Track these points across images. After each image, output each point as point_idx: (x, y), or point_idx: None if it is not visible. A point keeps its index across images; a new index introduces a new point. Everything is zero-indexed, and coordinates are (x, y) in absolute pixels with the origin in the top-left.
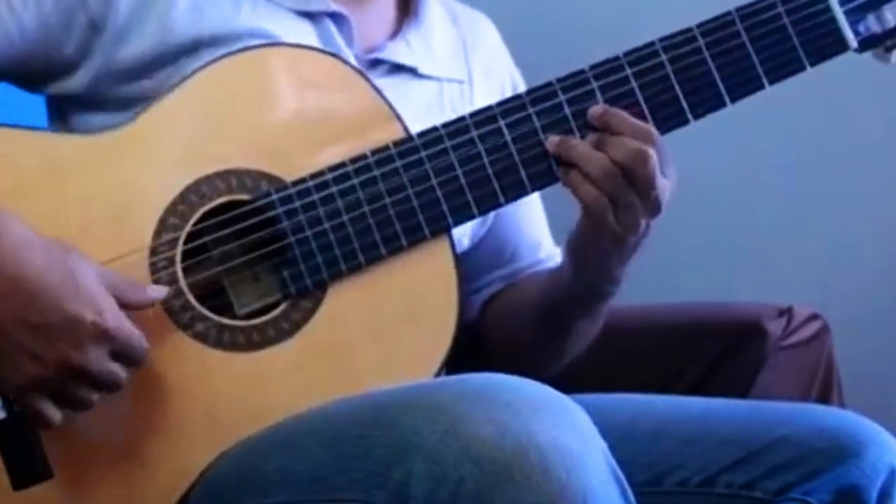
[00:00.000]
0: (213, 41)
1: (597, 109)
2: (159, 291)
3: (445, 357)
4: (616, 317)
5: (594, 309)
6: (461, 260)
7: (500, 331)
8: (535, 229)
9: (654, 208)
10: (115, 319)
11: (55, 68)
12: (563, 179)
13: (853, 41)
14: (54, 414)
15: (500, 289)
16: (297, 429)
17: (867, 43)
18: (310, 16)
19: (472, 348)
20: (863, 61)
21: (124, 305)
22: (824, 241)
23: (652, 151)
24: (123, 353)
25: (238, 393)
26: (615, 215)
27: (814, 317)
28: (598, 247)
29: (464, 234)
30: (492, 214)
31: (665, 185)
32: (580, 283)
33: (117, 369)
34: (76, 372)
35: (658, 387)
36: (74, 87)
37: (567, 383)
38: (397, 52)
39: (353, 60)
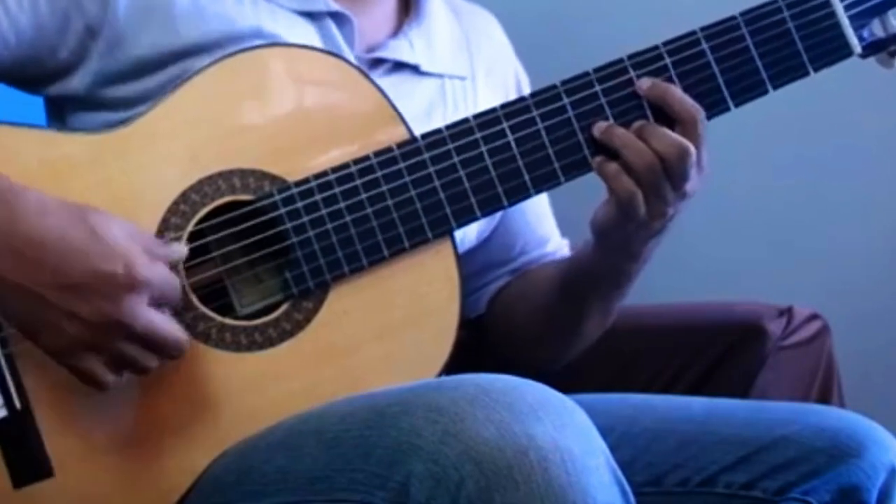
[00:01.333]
0: (215, 44)
1: (645, 82)
2: (181, 250)
3: (447, 358)
4: (617, 317)
5: (614, 291)
6: (468, 257)
7: (508, 320)
8: (543, 225)
9: (682, 198)
10: (147, 267)
11: (51, 71)
12: (597, 169)
13: (857, 46)
14: (105, 374)
15: (508, 281)
16: (297, 429)
17: (871, 48)
18: (311, 16)
19: (472, 345)
20: (863, 63)
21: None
22: (824, 240)
23: (692, 147)
24: (163, 298)
25: (239, 393)
26: (646, 205)
27: (814, 317)
28: (623, 231)
29: (470, 231)
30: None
31: (696, 177)
32: (604, 262)
33: (161, 319)
34: (118, 326)
35: (658, 387)
36: (73, 88)
37: (567, 383)
38: (399, 50)
39: (354, 60)
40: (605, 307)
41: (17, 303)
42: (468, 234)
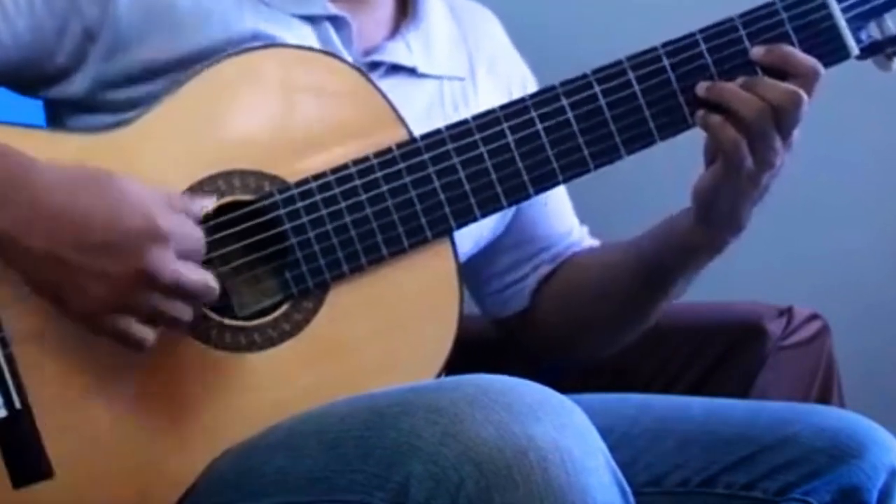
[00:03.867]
0: (214, 49)
1: (759, 51)
2: (203, 203)
3: (447, 358)
4: None
5: (707, 261)
6: (494, 255)
7: (562, 310)
8: (565, 212)
9: (790, 147)
10: (167, 219)
11: (49, 74)
12: (702, 123)
13: (855, 48)
14: (141, 331)
15: (551, 271)
16: (296, 429)
17: (868, 50)
18: (310, 19)
19: (509, 341)
20: (861, 62)
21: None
22: (824, 240)
23: (806, 95)
24: (185, 250)
25: (239, 393)
26: (752, 154)
27: (814, 317)
28: (734, 189)
29: (483, 227)
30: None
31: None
32: (703, 231)
33: (187, 268)
34: (145, 279)
35: (658, 387)
36: (73, 92)
37: (567, 383)
38: (396, 52)
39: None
40: (685, 285)
41: (45, 272)
42: (483, 231)
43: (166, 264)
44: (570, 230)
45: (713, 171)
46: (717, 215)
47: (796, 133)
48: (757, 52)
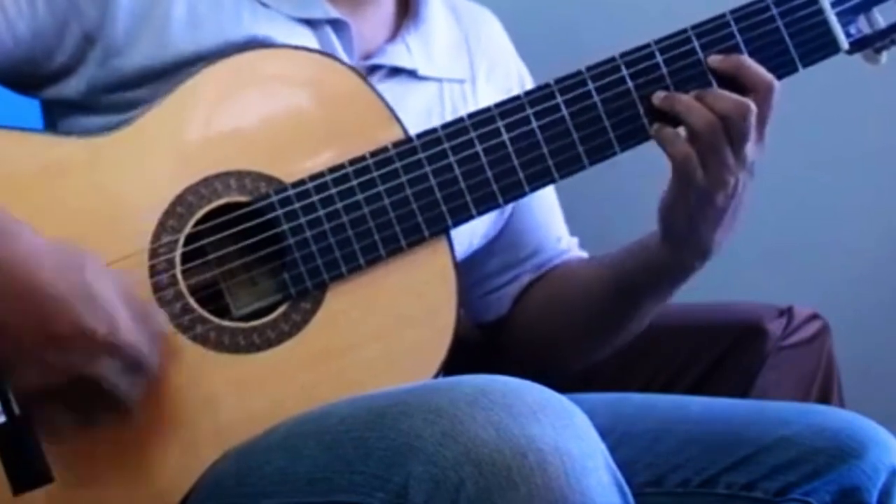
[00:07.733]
0: (213, 53)
1: (715, 59)
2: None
3: (445, 357)
4: None
5: (671, 289)
6: (480, 259)
7: (539, 321)
8: (555, 222)
9: (743, 165)
10: (131, 333)
11: (46, 75)
12: (655, 135)
13: (845, 43)
14: (65, 422)
15: (532, 280)
16: (296, 430)
17: (858, 44)
18: (310, 23)
19: (487, 346)
20: (861, 62)
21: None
22: (824, 240)
23: (754, 106)
24: (134, 367)
25: (238, 395)
26: (703, 168)
27: (814, 317)
28: (687, 206)
29: (476, 232)
30: (508, 210)
31: (754, 146)
32: (667, 251)
33: (129, 383)
34: (87, 382)
35: (658, 387)
36: (69, 92)
37: (567, 383)
38: (396, 55)
39: None
40: (655, 307)
41: None
42: (475, 235)
43: (110, 376)
44: (558, 239)
45: (669, 186)
46: (675, 234)
47: (751, 153)
48: (713, 60)
